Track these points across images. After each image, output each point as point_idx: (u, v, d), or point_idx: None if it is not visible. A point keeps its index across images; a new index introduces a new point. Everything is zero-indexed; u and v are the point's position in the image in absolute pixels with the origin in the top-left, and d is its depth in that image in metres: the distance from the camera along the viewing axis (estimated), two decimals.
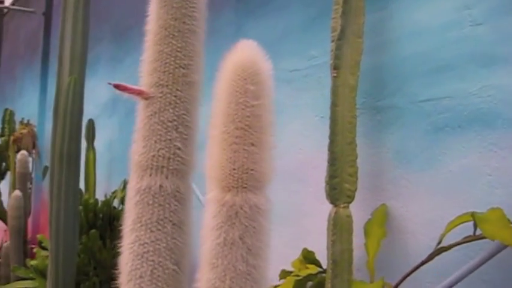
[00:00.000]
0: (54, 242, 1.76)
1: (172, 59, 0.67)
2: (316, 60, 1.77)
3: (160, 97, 0.67)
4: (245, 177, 0.55)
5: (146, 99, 0.67)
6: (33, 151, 3.41)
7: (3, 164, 3.77)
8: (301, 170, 1.78)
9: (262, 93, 0.56)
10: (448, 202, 1.34)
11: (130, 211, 0.66)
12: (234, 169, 0.55)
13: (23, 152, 2.96)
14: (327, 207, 1.48)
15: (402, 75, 1.49)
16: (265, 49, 1.89)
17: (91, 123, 2.89)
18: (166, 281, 0.64)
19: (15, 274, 2.45)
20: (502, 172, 1.26)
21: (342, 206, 1.40)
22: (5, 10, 5.36)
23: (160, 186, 0.65)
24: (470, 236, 1.13)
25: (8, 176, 3.59)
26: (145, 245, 0.64)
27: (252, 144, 0.55)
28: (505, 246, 1.09)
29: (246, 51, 0.57)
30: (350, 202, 1.41)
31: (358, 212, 1.48)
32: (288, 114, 1.85)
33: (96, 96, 3.20)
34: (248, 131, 0.55)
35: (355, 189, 1.41)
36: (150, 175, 0.65)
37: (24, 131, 3.39)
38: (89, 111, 3.06)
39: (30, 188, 3.55)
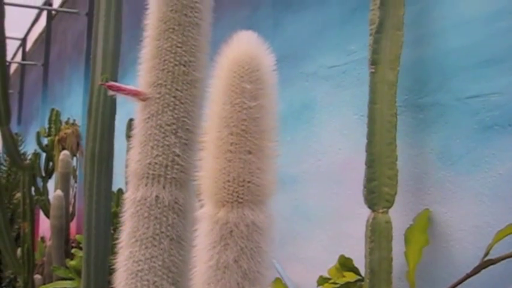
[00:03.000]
0: (86, 244, 1.73)
1: (172, 55, 0.60)
2: (356, 55, 1.67)
3: (158, 98, 0.60)
4: (241, 191, 0.47)
5: (143, 100, 0.61)
6: (78, 151, 3.42)
7: (50, 163, 3.82)
8: (340, 171, 1.69)
9: (262, 92, 0.48)
10: (497, 208, 1.23)
11: (125, 224, 0.60)
12: (229, 181, 0.47)
13: (65, 152, 2.96)
14: (367, 211, 1.39)
15: (447, 69, 1.38)
16: (304, 45, 1.81)
17: (132, 123, 2.87)
18: None
19: (55, 274, 2.45)
20: None
21: (380, 211, 1.31)
22: (53, 12, 5.44)
23: (157, 197, 0.58)
24: None
25: (55, 175, 3.63)
26: (140, 262, 0.57)
27: (249, 152, 0.48)
28: None
29: (243, 44, 0.49)
30: (389, 207, 1.32)
31: (399, 217, 1.38)
32: (326, 113, 1.77)
33: None
34: (245, 137, 0.47)
35: (395, 193, 1.32)
36: (146, 185, 0.58)
37: (69, 131, 3.41)
38: (131, 110, 3.05)
39: (75, 188, 3.58)
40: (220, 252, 0.47)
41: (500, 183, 1.24)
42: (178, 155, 0.59)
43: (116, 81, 1.78)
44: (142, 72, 0.62)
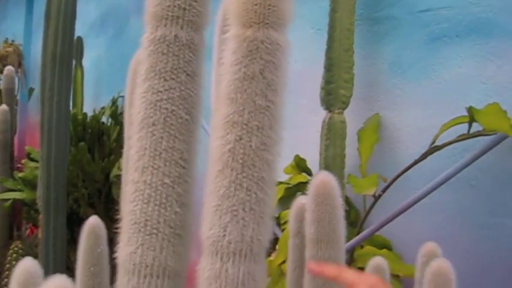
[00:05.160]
0: (46, 148, 1.76)
1: None
2: None
3: None
4: (267, 13, 0.55)
5: None
6: (19, 70, 3.35)
7: None
8: (296, 82, 1.77)
9: None
10: (441, 111, 1.35)
11: (144, 62, 0.66)
12: (256, 4, 0.55)
13: (9, 67, 2.89)
14: (320, 119, 1.50)
15: None
16: None
17: (79, 41, 2.83)
18: (179, 130, 0.64)
19: (3, 185, 2.44)
20: (497, 81, 1.28)
21: (336, 111, 1.42)
22: None
23: (176, 36, 0.64)
24: (464, 134, 1.15)
25: None
26: (159, 93, 0.64)
27: None
28: (495, 144, 1.12)
29: None
30: (345, 108, 1.42)
31: (351, 122, 1.49)
32: None
33: (84, 15, 3.13)
34: None
35: (351, 95, 1.42)
36: (165, 25, 0.65)
37: (10, 49, 3.32)
38: (77, 29, 3.00)
39: (15, 109, 3.51)
40: (247, 65, 0.55)
41: (445, 88, 1.37)
42: (195, 0, 0.65)
43: None
44: None
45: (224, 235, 0.55)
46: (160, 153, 0.64)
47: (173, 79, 0.64)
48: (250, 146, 0.55)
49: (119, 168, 2.17)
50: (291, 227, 0.82)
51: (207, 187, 0.58)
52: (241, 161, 0.55)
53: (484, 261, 1.27)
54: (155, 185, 0.64)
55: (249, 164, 0.55)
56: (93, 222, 1.00)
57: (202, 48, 0.66)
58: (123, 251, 0.65)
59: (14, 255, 1.76)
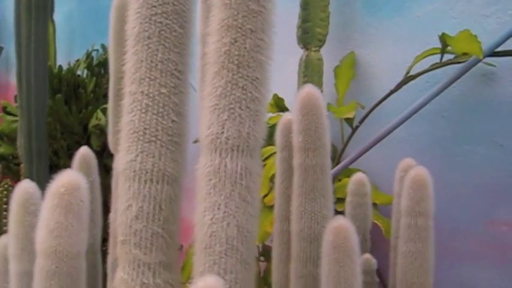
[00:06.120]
0: (25, 97, 1.77)
1: None
2: None
3: None
4: None
5: None
6: None
7: None
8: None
9: None
10: (413, 47, 1.40)
11: None
12: None
13: None
14: (295, 60, 1.54)
15: None
16: None
17: None
18: (173, 42, 0.68)
19: None
20: (467, 15, 1.33)
21: (313, 49, 1.46)
22: None
23: None
24: (437, 63, 1.20)
25: None
26: (153, 8, 0.67)
27: None
28: (467, 70, 1.17)
29: None
30: (321, 46, 1.47)
31: (328, 62, 1.53)
32: None
33: None
34: None
35: (326, 34, 1.46)
36: None
37: None
38: None
39: None
40: None
41: (417, 24, 1.42)
42: None
43: None
44: None
45: (222, 132, 0.59)
46: (156, 64, 0.67)
47: None
48: (245, 48, 0.59)
49: (97, 119, 2.19)
50: (278, 142, 0.87)
51: (204, 90, 0.62)
52: (236, 62, 0.59)
53: (456, 188, 1.35)
54: (152, 95, 0.67)
55: (244, 65, 0.59)
56: (84, 153, 1.03)
57: None
58: (122, 160, 0.69)
59: (5, 192, 1.78)
